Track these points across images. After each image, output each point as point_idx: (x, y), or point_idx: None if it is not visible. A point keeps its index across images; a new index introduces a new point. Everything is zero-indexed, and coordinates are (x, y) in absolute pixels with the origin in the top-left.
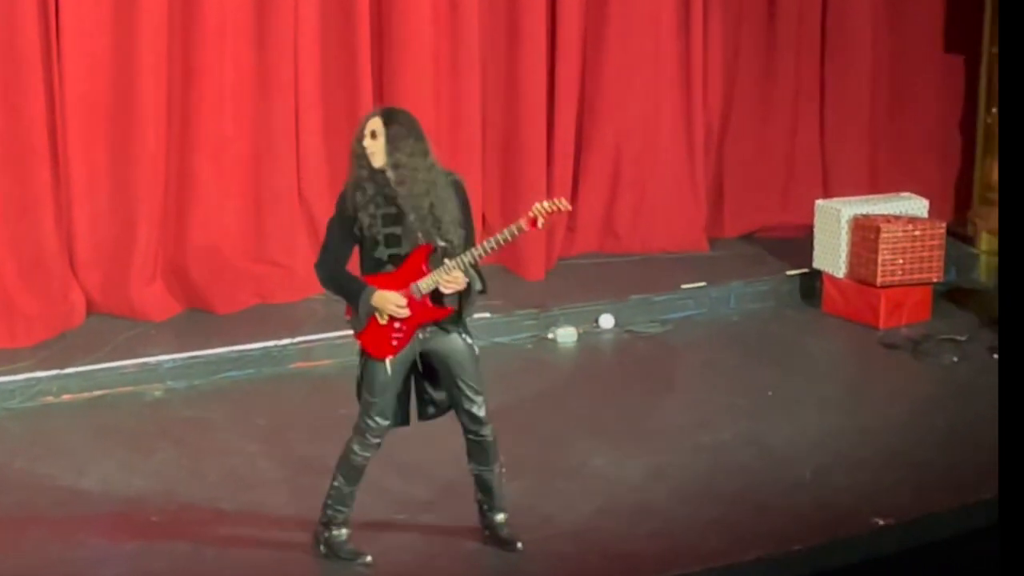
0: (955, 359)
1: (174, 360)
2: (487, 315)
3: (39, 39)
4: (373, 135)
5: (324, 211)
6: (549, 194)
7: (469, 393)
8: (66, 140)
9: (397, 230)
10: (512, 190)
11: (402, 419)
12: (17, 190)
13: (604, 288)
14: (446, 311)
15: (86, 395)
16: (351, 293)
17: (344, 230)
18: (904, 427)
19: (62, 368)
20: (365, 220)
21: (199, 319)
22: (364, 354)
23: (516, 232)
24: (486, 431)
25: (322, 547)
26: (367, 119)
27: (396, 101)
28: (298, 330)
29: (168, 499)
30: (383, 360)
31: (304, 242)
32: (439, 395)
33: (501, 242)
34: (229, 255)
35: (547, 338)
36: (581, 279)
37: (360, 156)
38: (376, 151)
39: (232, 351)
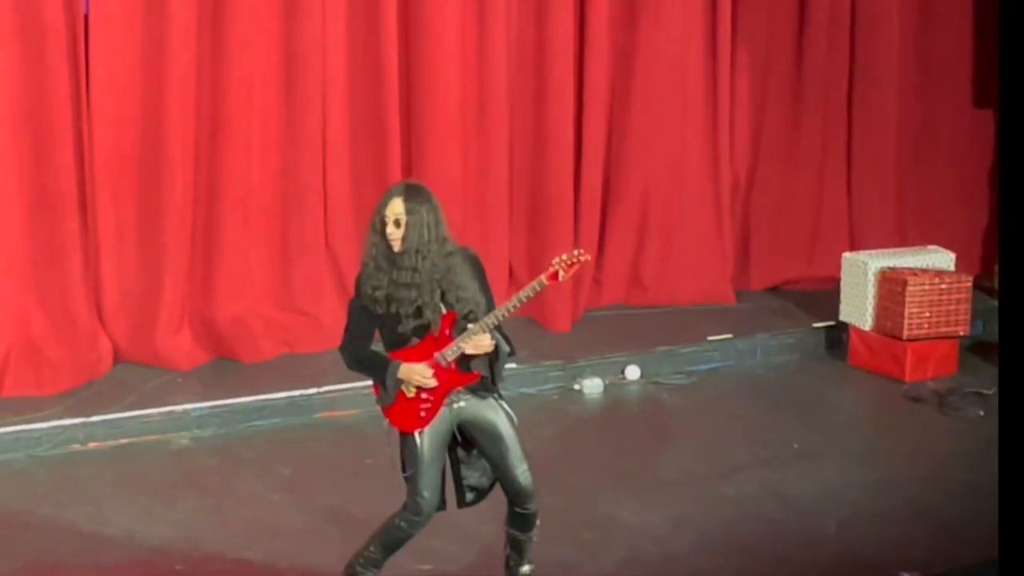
0: (981, 413)
1: (200, 409)
2: (513, 366)
3: (69, 90)
4: (397, 224)
5: (351, 260)
6: (576, 246)
7: (515, 462)
8: (94, 190)
9: (419, 302)
10: (539, 242)
11: (440, 503)
12: (46, 239)
13: (630, 339)
14: (473, 376)
15: (112, 443)
16: (377, 369)
17: (364, 310)
18: (929, 481)
19: (88, 416)
20: (384, 297)
21: (225, 368)
22: (399, 432)
23: (538, 288)
24: (532, 504)
25: None
26: (388, 201)
27: (423, 152)
28: (324, 380)
29: (193, 548)
30: (413, 434)
31: (331, 291)
32: (478, 480)
33: (523, 299)
34: (256, 304)
35: (573, 389)
36: (607, 330)
37: (380, 240)
38: (398, 238)
39: (258, 400)
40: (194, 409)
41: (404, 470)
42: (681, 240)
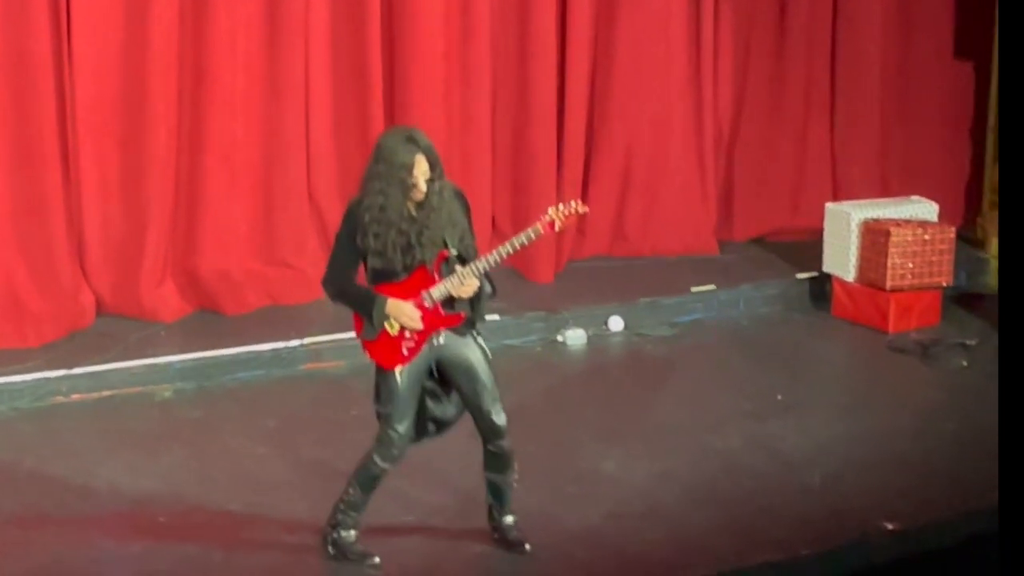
0: (964, 364)
1: (183, 361)
2: (496, 317)
3: (50, 42)
4: (428, 176)
5: (334, 212)
6: (559, 197)
7: (489, 401)
8: (77, 142)
9: (412, 240)
10: (522, 193)
11: (416, 433)
12: (28, 191)
13: (613, 291)
14: (458, 318)
15: (95, 395)
16: (363, 304)
17: (353, 243)
18: (913, 432)
19: (71, 368)
20: (379, 233)
21: (209, 320)
22: (378, 366)
23: (533, 236)
24: (505, 442)
25: (330, 548)
26: (413, 157)
27: (406, 103)
28: (308, 331)
29: (176, 500)
30: (394, 370)
31: (314, 243)
32: (441, 411)
33: (517, 246)
34: (239, 256)
35: (556, 340)
36: (590, 282)
37: (399, 194)
38: (422, 190)
39: (242, 352)
40: (177, 361)
41: (378, 403)
42: (664, 191)
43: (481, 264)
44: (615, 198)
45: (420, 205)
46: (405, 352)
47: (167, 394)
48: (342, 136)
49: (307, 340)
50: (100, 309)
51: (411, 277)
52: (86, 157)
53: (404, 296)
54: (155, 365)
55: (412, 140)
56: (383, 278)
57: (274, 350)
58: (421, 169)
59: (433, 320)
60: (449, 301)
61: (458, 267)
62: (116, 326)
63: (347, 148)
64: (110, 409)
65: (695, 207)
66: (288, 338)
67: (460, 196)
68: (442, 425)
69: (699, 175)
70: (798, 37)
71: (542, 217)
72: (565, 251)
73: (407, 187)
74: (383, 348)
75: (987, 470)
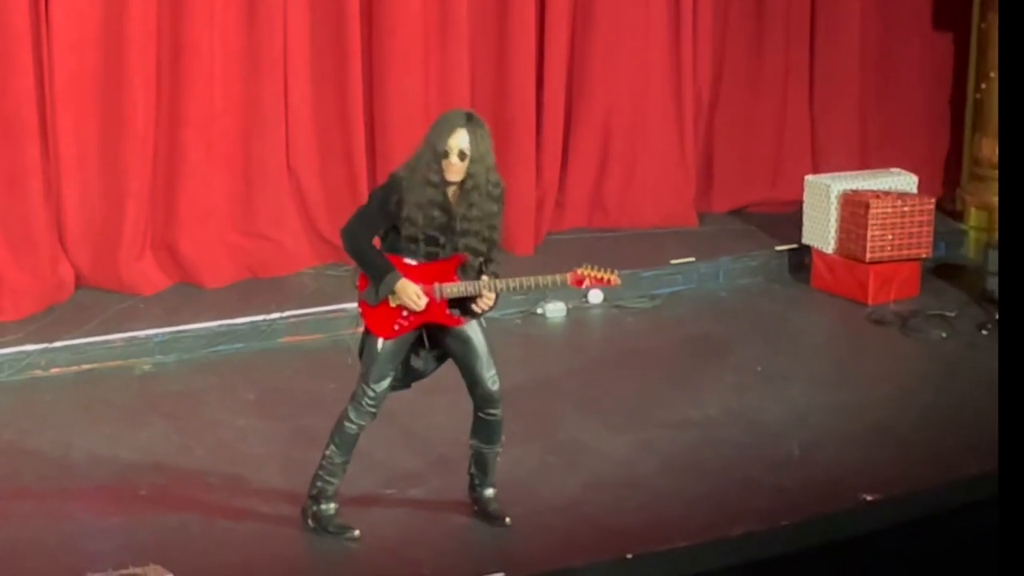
0: (943, 335)
1: (163, 334)
2: None
3: (28, 15)
4: (462, 155)
5: (313, 185)
6: (538, 168)
7: (484, 369)
8: (55, 115)
9: (441, 235)
10: (501, 165)
11: (402, 383)
12: (6, 165)
13: (593, 263)
14: (459, 321)
15: (74, 369)
16: (376, 270)
17: (385, 210)
18: (892, 403)
19: (51, 342)
20: (413, 214)
21: (188, 293)
22: (367, 328)
23: (559, 283)
24: (497, 410)
25: (310, 521)
26: (454, 129)
27: (385, 76)
28: (287, 304)
29: (156, 473)
30: (379, 338)
31: (293, 216)
32: (417, 363)
33: (540, 285)
34: (218, 229)
35: (536, 313)
36: (570, 254)
37: (437, 164)
38: (459, 170)
39: (221, 325)
40: (157, 334)
41: (360, 361)
42: (644, 163)
43: (500, 285)
44: (594, 171)
45: (461, 191)
46: (396, 328)
47: (146, 367)
48: (321, 109)
49: (286, 313)
50: (79, 282)
51: (431, 265)
52: (64, 130)
53: (417, 279)
54: (134, 338)
55: (461, 114)
56: (399, 252)
57: (253, 323)
58: (457, 140)
59: (435, 312)
60: (455, 301)
61: (484, 278)
62: (95, 299)
63: (326, 121)
64: (89, 382)
65: (675, 179)
66: (267, 311)
67: (503, 194)
68: (416, 376)
69: (678, 147)
70: (777, 7)
71: (575, 271)
72: (544, 224)
73: (438, 154)
74: (378, 316)
75: (966, 441)
